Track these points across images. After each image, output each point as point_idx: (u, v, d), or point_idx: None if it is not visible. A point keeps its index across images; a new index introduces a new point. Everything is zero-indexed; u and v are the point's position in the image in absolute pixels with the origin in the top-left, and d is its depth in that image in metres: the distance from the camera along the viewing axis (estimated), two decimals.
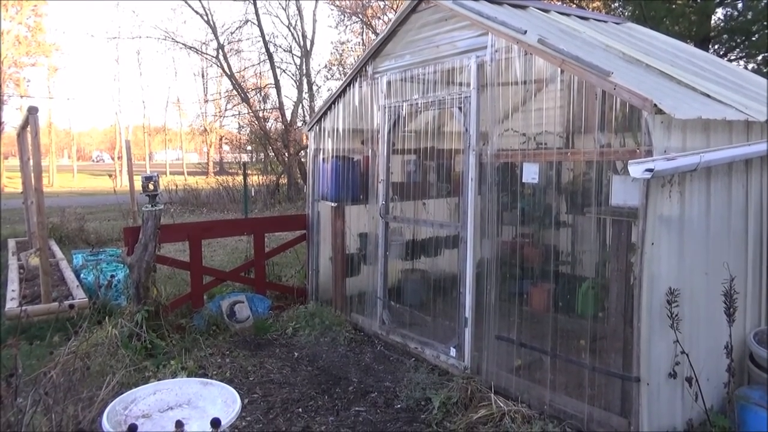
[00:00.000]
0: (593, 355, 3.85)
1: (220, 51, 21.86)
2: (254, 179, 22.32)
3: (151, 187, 5.38)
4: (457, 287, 4.70)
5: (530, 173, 4.07)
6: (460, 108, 4.56)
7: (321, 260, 6.59)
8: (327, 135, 6.29)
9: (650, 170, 3.10)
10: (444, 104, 4.76)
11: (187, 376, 4.76)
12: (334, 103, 6.10)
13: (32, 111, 6.12)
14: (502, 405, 3.94)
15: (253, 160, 28.68)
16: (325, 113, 6.26)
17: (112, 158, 49.60)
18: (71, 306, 5.33)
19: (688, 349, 3.54)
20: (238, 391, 4.64)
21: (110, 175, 27.43)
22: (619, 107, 3.52)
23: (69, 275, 7.93)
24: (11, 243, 10.81)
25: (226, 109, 29.43)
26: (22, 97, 41.42)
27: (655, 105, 3.20)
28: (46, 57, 40.66)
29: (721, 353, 3.82)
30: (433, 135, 5.88)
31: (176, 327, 5.65)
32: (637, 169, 3.17)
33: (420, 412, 4.17)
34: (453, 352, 4.73)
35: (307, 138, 6.81)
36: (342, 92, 5.96)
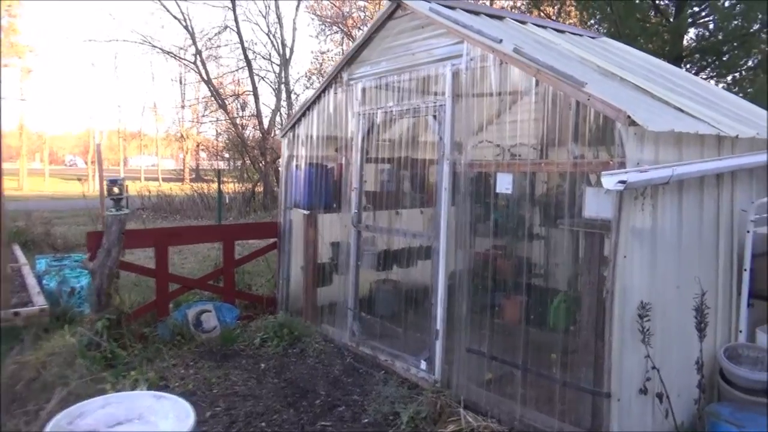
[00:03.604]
0: (564, 370, 3.78)
1: (198, 56, 21.62)
2: (230, 187, 22.05)
3: (116, 190, 5.20)
4: (429, 299, 4.61)
5: (504, 184, 4.01)
6: (434, 116, 4.50)
7: (292, 269, 6.45)
8: (301, 142, 6.18)
9: (623, 182, 3.06)
10: (419, 112, 4.69)
11: (148, 388, 4.56)
12: (308, 109, 6.00)
13: None
14: (471, 420, 3.85)
15: (230, 167, 28.36)
16: (299, 120, 6.15)
17: (86, 162, 48.66)
18: (16, 314, 5.10)
19: (660, 364, 3.49)
20: (200, 404, 4.51)
21: (80, 179, 26.83)
22: (593, 118, 3.49)
23: (31, 281, 7.63)
24: None
25: (203, 116, 29.09)
26: None
27: (629, 116, 3.17)
28: (19, 58, 39.87)
29: (692, 369, 3.79)
30: (408, 145, 5.81)
31: (139, 336, 5.44)
32: (610, 181, 3.12)
33: (388, 427, 4.05)
34: (423, 364, 4.63)
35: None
36: (317, 98, 5.87)
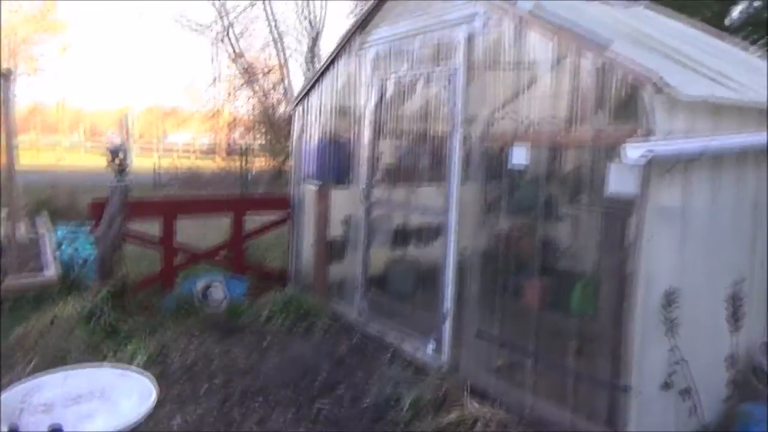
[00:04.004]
0: (581, 359, 3.49)
1: (228, 31, 21.46)
2: (259, 163, 22.03)
3: (117, 160, 5.05)
4: (436, 283, 4.34)
5: (518, 157, 3.69)
6: (446, 85, 4.18)
7: (303, 244, 6.25)
8: (312, 113, 5.93)
9: (649, 153, 2.72)
10: (431, 80, 4.38)
11: (146, 360, 4.44)
12: (320, 78, 5.73)
13: (5, 76, 5.80)
14: (475, 409, 3.59)
15: (260, 144, 28.36)
16: (311, 89, 5.90)
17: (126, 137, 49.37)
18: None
19: (686, 358, 3.16)
20: (197, 379, 4.37)
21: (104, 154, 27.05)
22: (618, 84, 3.14)
23: (47, 250, 7.66)
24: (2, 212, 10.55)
25: (236, 91, 29.06)
26: (29, 76, 41.41)
27: (658, 82, 2.82)
28: (57, 34, 40.54)
29: (722, 364, 3.44)
30: (427, 117, 5.49)
31: (144, 307, 5.35)
32: (634, 153, 2.79)
33: (388, 411, 3.83)
34: (431, 347, 4.39)
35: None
36: (328, 67, 5.60)
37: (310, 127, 5.99)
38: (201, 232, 9.74)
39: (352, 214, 5.49)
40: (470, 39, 4.00)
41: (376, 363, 4.60)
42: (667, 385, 3.16)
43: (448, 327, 4.23)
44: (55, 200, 11.39)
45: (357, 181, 5.34)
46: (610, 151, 3.35)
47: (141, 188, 18.86)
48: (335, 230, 5.91)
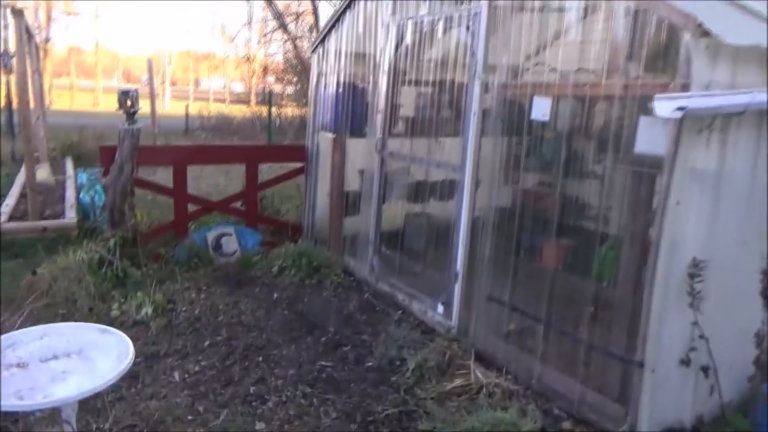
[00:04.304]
0: (595, 329, 3.26)
1: None
2: (289, 111, 21.75)
3: (129, 103, 4.90)
4: (450, 241, 4.13)
5: (540, 109, 3.38)
6: (468, 27, 3.84)
7: (318, 196, 6.08)
8: (331, 58, 5.63)
9: (682, 108, 2.40)
10: (452, 23, 4.04)
11: (153, 311, 4.41)
12: (338, 21, 5.40)
13: (16, 13, 5.65)
14: (481, 375, 3.44)
15: (291, 91, 28.01)
16: (329, 32, 5.58)
17: (162, 82, 49.65)
18: (44, 229, 5.02)
19: (709, 334, 2.91)
20: (202, 332, 4.32)
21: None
22: (654, 28, 2.78)
23: (69, 194, 7.69)
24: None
25: (266, 35, 28.50)
26: (68, 14, 41.54)
27: (700, 25, 2.46)
28: None
29: (750, 341, 3.18)
30: (445, 64, 5.15)
31: (155, 256, 5.31)
32: (665, 106, 2.48)
33: (392, 374, 3.71)
34: (440, 308, 4.22)
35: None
36: (347, 8, 5.26)
37: (328, 74, 5.72)
38: (226, 180, 9.72)
39: (367, 167, 5.26)
40: None
41: (384, 322, 4.47)
42: (685, 362, 2.93)
43: (458, 289, 4.04)
44: (83, 145, 11.45)
45: (373, 131, 5.09)
46: (642, 105, 3.03)
47: (174, 134, 18.98)
48: (351, 182, 5.71)
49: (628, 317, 3.07)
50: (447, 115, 4.72)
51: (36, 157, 10.50)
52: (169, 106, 40.47)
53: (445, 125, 4.70)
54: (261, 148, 7.46)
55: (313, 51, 5.91)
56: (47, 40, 40.15)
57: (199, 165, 5.69)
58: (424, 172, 4.98)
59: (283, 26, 21.59)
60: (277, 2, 22.45)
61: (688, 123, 2.59)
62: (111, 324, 4.32)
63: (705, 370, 2.97)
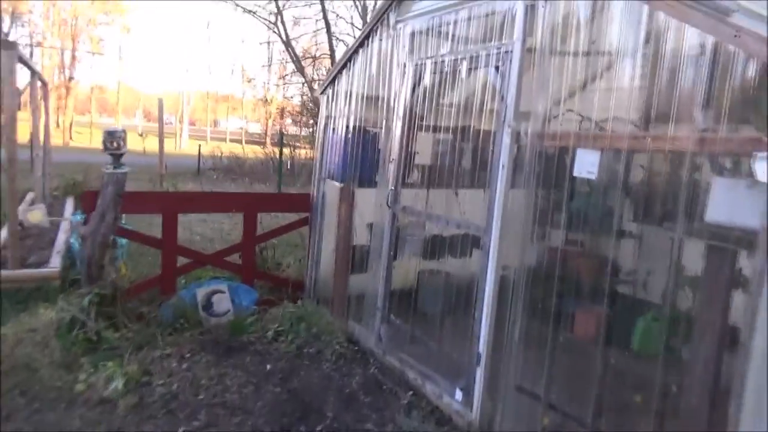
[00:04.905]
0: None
1: (278, 17, 20.92)
2: (304, 153, 21.46)
3: (114, 144, 4.41)
4: (471, 309, 3.49)
5: (586, 164, 2.79)
6: (497, 68, 3.31)
7: (323, 250, 5.49)
8: (341, 100, 5.13)
9: None
10: (478, 62, 3.51)
11: (124, 385, 3.80)
12: (350, 60, 4.92)
13: (7, 47, 5.26)
14: None
15: (307, 133, 27.87)
16: (339, 73, 5.10)
17: (180, 122, 50.27)
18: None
19: None
20: (177, 414, 3.69)
21: (141, 135, 27.47)
22: (740, 69, 2.20)
23: (61, 238, 7.20)
24: (28, 196, 10.27)
25: (284, 78, 28.58)
26: (94, 54, 42.50)
27: None
28: (120, 16, 41.52)
29: None
30: (469, 109, 4.62)
31: (137, 316, 4.71)
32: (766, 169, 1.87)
33: None
34: (459, 395, 3.54)
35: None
36: (359, 47, 4.78)
37: (337, 117, 5.21)
38: (230, 224, 9.18)
39: (377, 220, 4.68)
40: (530, 11, 3.11)
41: (393, 406, 3.80)
42: None
43: (480, 374, 3.37)
44: (87, 184, 11.04)
45: (385, 181, 4.53)
46: (717, 163, 2.43)
47: (185, 174, 18.71)
48: (359, 236, 5.13)
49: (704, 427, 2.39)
50: (470, 165, 4.15)
51: (32, 198, 10.12)
52: (186, 146, 40.78)
53: (468, 176, 4.13)
54: (261, 196, 6.95)
55: (322, 92, 5.43)
56: (70, 78, 41.10)
57: (195, 213, 5.17)
58: (442, 226, 4.38)
59: (300, 69, 21.54)
60: (295, 45, 22.51)
61: None
62: (74, 401, 3.77)
63: None
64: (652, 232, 3.46)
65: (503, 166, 3.21)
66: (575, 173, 2.82)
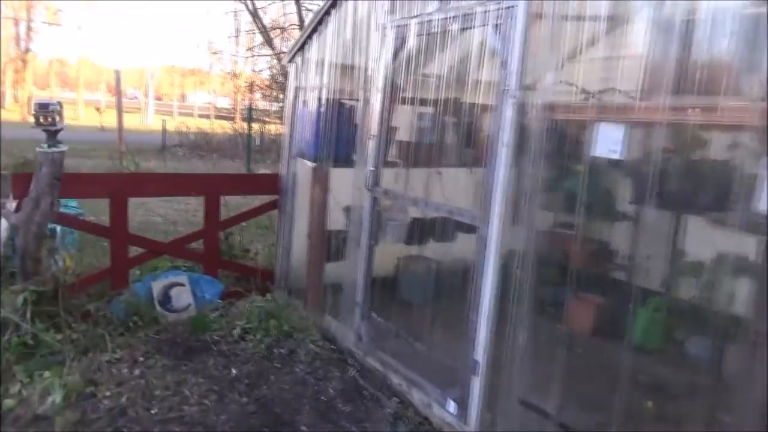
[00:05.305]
0: None
1: None
2: (274, 129, 20.70)
3: (48, 119, 3.80)
4: (466, 310, 3.04)
5: (609, 141, 2.33)
6: (496, 26, 2.81)
7: (295, 236, 4.98)
8: (311, 70, 4.58)
9: None
10: (472, 21, 3.00)
11: (64, 398, 3.27)
12: (320, 23, 4.36)
13: None
14: None
15: (277, 108, 26.98)
16: (309, 38, 4.53)
17: (145, 96, 48.44)
18: None
19: None
20: None
21: (97, 108, 26.37)
22: None
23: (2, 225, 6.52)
24: None
25: (252, 50, 27.49)
26: (50, 25, 40.42)
27: None
28: None
29: None
30: (461, 78, 4.11)
31: (83, 315, 4.15)
32: None
33: None
34: (452, 406, 3.11)
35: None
36: (332, 8, 4.22)
37: (308, 89, 4.65)
38: (197, 203, 8.54)
39: (354, 204, 4.19)
40: None
41: (375, 417, 3.36)
42: None
43: (478, 384, 2.94)
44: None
45: (363, 160, 4.02)
46: None
47: (148, 151, 17.80)
48: (335, 221, 4.63)
49: None
50: (461, 143, 3.67)
51: None
52: (153, 121, 39.28)
53: (462, 154, 3.66)
54: (224, 177, 6.36)
55: (290, 60, 4.84)
56: (27, 50, 39.06)
57: (148, 197, 4.61)
58: (428, 210, 3.92)
59: (268, 41, 20.62)
60: (263, 16, 21.53)
61: None
62: (2, 419, 3.24)
63: None
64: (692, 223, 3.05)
65: (506, 144, 2.73)
66: (597, 152, 2.36)
